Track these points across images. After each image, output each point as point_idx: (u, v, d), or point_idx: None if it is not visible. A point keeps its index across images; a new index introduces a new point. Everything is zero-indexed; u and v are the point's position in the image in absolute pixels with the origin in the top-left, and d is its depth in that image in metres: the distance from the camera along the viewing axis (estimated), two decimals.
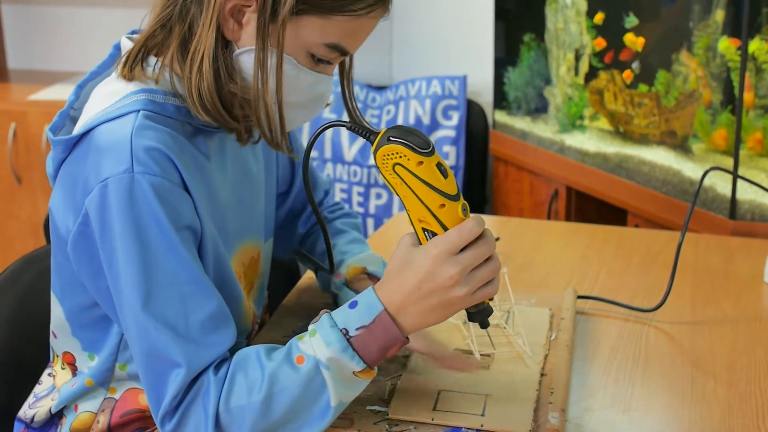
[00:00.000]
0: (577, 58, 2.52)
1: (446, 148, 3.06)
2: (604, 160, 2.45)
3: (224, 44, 1.10)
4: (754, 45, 1.93)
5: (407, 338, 1.05)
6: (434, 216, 1.02)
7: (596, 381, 1.24)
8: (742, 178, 1.70)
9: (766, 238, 1.82)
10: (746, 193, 1.99)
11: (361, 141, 3.14)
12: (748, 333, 1.38)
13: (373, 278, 1.30)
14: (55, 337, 1.23)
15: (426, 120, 3.07)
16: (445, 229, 1.02)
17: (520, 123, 2.82)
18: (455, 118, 3.06)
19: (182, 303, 1.04)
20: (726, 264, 1.65)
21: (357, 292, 1.24)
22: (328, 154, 3.14)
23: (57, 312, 1.20)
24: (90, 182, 1.06)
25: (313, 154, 3.15)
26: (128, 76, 1.13)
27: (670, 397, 1.20)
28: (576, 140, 2.56)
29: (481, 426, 1.09)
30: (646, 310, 1.43)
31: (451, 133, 3.06)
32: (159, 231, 1.04)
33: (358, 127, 1.06)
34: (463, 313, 1.09)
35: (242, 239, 1.25)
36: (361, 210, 3.11)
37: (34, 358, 1.31)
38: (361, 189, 3.13)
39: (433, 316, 1.04)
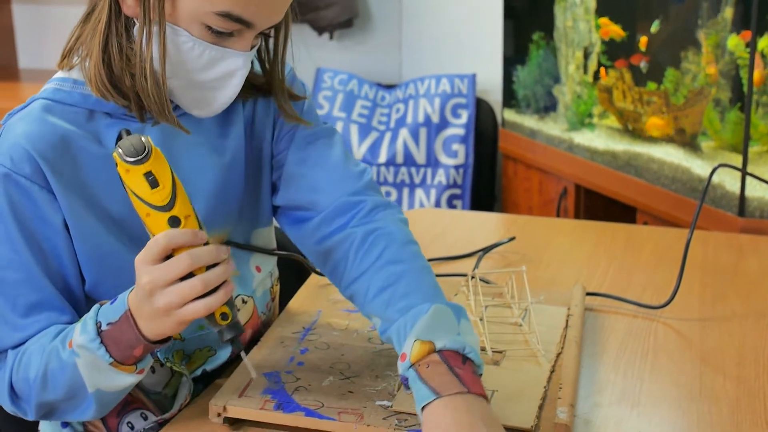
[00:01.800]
0: (586, 56, 2.52)
1: (455, 146, 3.06)
2: (612, 157, 2.45)
3: (127, 23, 1.10)
4: (763, 42, 1.93)
5: (152, 342, 1.04)
6: (145, 224, 1.03)
7: (605, 377, 1.24)
8: (751, 175, 1.70)
9: None
10: (755, 190, 1.99)
11: (371, 138, 3.14)
12: (757, 330, 1.38)
13: (453, 360, 1.03)
14: None
15: (435, 118, 3.07)
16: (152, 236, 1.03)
17: (529, 121, 2.82)
18: (464, 116, 3.06)
19: (12, 287, 1.09)
20: (735, 261, 1.65)
21: (427, 384, 1.01)
22: None
23: None
24: None
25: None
26: (59, 66, 1.17)
27: (679, 393, 1.20)
28: (585, 138, 2.57)
29: None
30: (655, 306, 1.44)
31: (461, 132, 3.06)
32: (1, 222, 1.09)
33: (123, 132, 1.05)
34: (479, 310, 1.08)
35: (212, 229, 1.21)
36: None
37: None
38: None
39: (161, 324, 1.03)
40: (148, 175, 1.01)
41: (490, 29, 3.05)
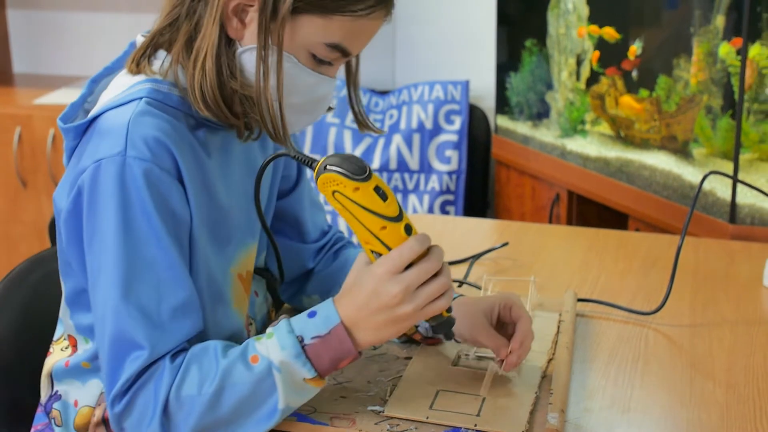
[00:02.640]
0: (579, 63, 2.53)
1: (448, 153, 3.06)
2: (605, 164, 2.45)
3: (228, 42, 1.12)
4: (755, 50, 1.94)
5: (359, 353, 1.08)
6: (377, 238, 1.04)
7: (596, 382, 1.24)
8: (742, 182, 1.71)
9: (765, 242, 1.82)
10: (746, 197, 2.00)
11: (364, 144, 3.15)
12: (747, 336, 1.39)
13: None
14: (60, 320, 1.25)
15: (428, 124, 3.07)
16: (389, 249, 1.04)
17: (522, 128, 2.83)
18: (457, 122, 3.07)
19: (157, 288, 1.06)
20: (725, 268, 1.66)
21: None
22: None
23: (63, 296, 1.23)
24: (86, 162, 1.08)
25: (315, 157, 3.16)
26: (134, 70, 1.15)
27: (669, 399, 1.21)
28: (577, 145, 2.57)
29: (475, 426, 1.10)
30: (646, 312, 1.44)
31: (454, 138, 3.06)
32: (144, 216, 1.05)
33: (301, 156, 1.08)
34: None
35: (249, 242, 1.26)
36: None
37: (41, 359, 1.32)
38: None
39: (386, 332, 1.07)
40: (377, 189, 1.03)
41: (483, 36, 3.06)
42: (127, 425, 1.06)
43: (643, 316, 1.44)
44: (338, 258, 1.41)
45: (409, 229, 1.05)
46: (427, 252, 1.05)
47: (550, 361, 1.26)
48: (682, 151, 2.19)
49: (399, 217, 1.04)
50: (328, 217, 3.07)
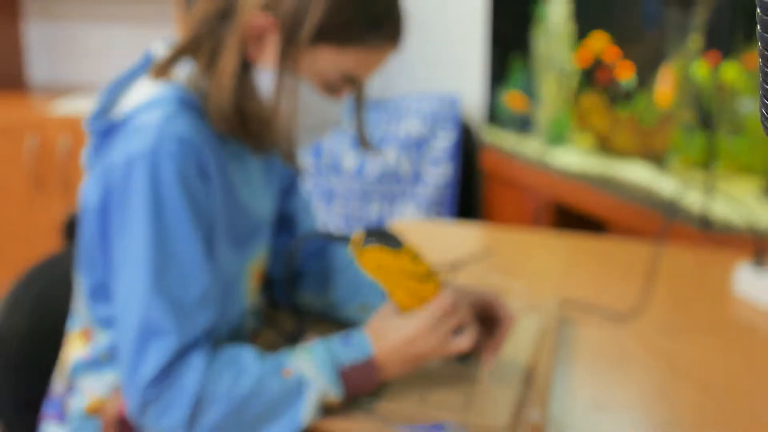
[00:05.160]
0: (563, 79, 2.53)
1: (439, 164, 3.06)
2: (586, 176, 2.45)
3: (246, 64, 1.13)
4: (728, 70, 1.94)
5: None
6: (415, 295, 1.10)
7: (576, 383, 1.24)
8: (715, 193, 1.70)
9: (734, 248, 1.82)
10: (718, 207, 2.00)
11: (357, 156, 3.14)
12: (720, 338, 1.39)
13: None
14: (73, 314, 1.24)
15: (421, 136, 3.07)
16: (422, 301, 1.11)
17: (509, 140, 2.83)
18: (449, 135, 3.06)
19: (184, 279, 1.06)
20: (700, 273, 1.66)
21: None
22: (326, 165, 3.14)
23: (80, 290, 1.21)
24: (117, 158, 1.07)
25: (311, 165, 3.15)
26: (158, 76, 1.15)
27: (647, 399, 1.21)
28: (561, 157, 2.57)
29: (460, 419, 1.09)
30: (624, 316, 1.44)
31: (445, 150, 3.06)
32: (175, 212, 1.06)
33: (333, 237, 1.10)
34: None
35: (265, 241, 1.26)
36: (358, 221, 3.11)
37: (49, 362, 1.31)
38: (358, 201, 3.13)
39: (407, 369, 1.13)
40: (413, 254, 1.08)
41: (473, 51, 3.06)
42: (151, 415, 1.05)
43: (622, 320, 1.44)
44: (325, 256, 1.41)
45: (438, 282, 1.11)
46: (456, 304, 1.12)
47: (533, 361, 1.26)
48: (660, 163, 2.19)
49: (431, 272, 1.10)
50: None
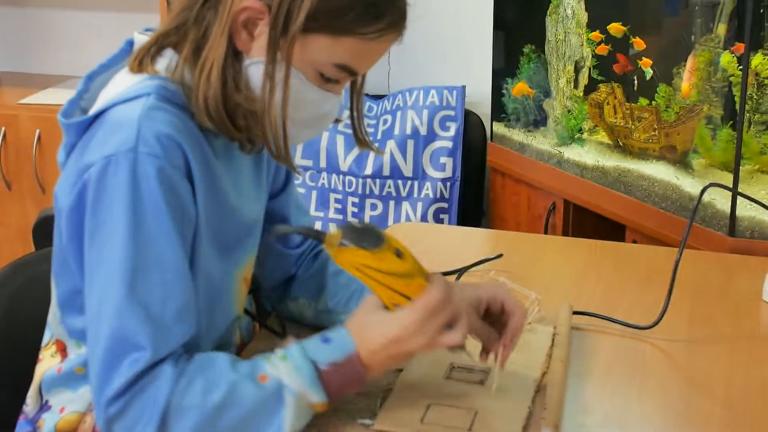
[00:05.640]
0: (577, 70, 2.53)
1: (443, 159, 3.06)
2: (602, 174, 2.45)
3: (235, 54, 1.12)
4: (757, 60, 1.94)
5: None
6: (400, 294, 1.09)
7: (591, 397, 1.24)
8: (742, 194, 1.70)
9: (765, 255, 1.82)
10: (746, 209, 2.00)
11: (356, 151, 3.14)
12: (746, 352, 1.39)
13: None
14: (48, 324, 1.24)
15: (423, 130, 3.07)
16: (410, 299, 1.09)
17: (519, 135, 2.83)
18: (453, 129, 3.07)
19: (164, 288, 1.05)
20: (724, 282, 1.66)
21: None
22: (323, 163, 3.14)
23: (53, 298, 1.21)
24: (93, 157, 1.07)
25: (308, 163, 3.16)
26: (137, 68, 1.14)
27: (666, 416, 1.21)
28: (575, 153, 2.57)
29: None
30: (643, 327, 1.44)
31: (449, 144, 3.06)
32: (155, 213, 1.05)
33: (310, 232, 1.09)
34: None
35: (255, 246, 1.26)
36: (355, 221, 3.11)
37: (23, 365, 1.31)
38: (356, 199, 3.13)
39: (391, 366, 1.14)
40: (396, 250, 1.07)
41: (479, 41, 3.06)
42: (119, 428, 1.04)
43: (640, 331, 1.44)
44: (317, 260, 1.41)
45: (427, 276, 1.10)
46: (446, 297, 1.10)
47: (544, 374, 1.26)
48: (681, 161, 2.19)
49: (417, 269, 1.09)
50: (318, 224, 3.06)
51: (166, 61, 1.14)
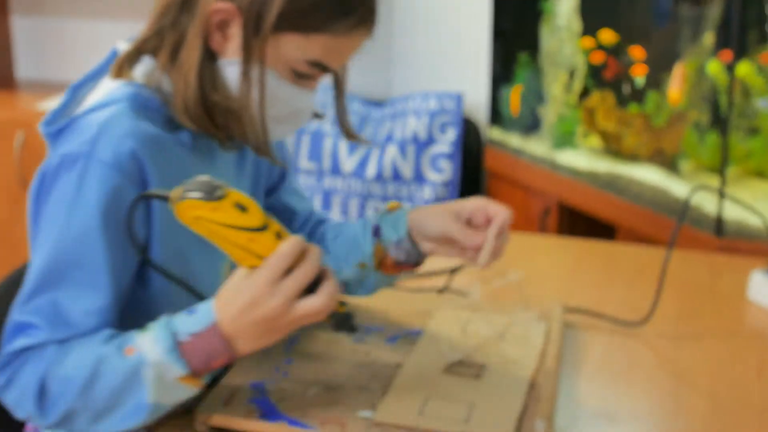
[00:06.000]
0: (571, 77, 2.54)
1: (442, 163, 3.06)
2: (594, 177, 2.46)
3: (211, 55, 1.12)
4: (743, 68, 1.94)
5: (237, 354, 1.05)
6: (249, 252, 1.02)
7: (583, 391, 1.24)
8: (728, 196, 1.71)
9: (750, 255, 1.82)
10: (732, 211, 2.00)
11: (359, 153, 3.15)
12: (730, 348, 1.39)
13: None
14: None
15: (423, 135, 3.08)
16: (263, 258, 1.02)
17: (514, 140, 2.83)
18: (451, 133, 3.07)
19: (77, 288, 1.05)
20: (711, 280, 1.66)
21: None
22: (326, 165, 3.14)
23: None
24: (54, 157, 1.08)
25: (311, 166, 3.16)
26: (117, 75, 1.15)
27: (654, 408, 1.21)
28: (568, 158, 2.57)
29: (462, 431, 1.09)
30: (633, 324, 1.44)
31: (447, 149, 3.06)
32: (90, 218, 1.05)
33: (155, 194, 1.04)
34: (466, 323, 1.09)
35: None
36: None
37: None
38: (359, 201, 3.13)
39: (265, 340, 1.04)
40: (237, 204, 1.01)
41: (477, 49, 3.06)
42: (8, 399, 1.05)
43: (630, 327, 1.44)
44: (314, 236, 1.40)
45: (279, 235, 1.03)
46: (304, 255, 1.03)
47: (537, 370, 1.26)
48: (670, 165, 2.19)
49: (266, 226, 1.02)
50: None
51: (143, 67, 1.14)
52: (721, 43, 1.99)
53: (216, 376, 1.21)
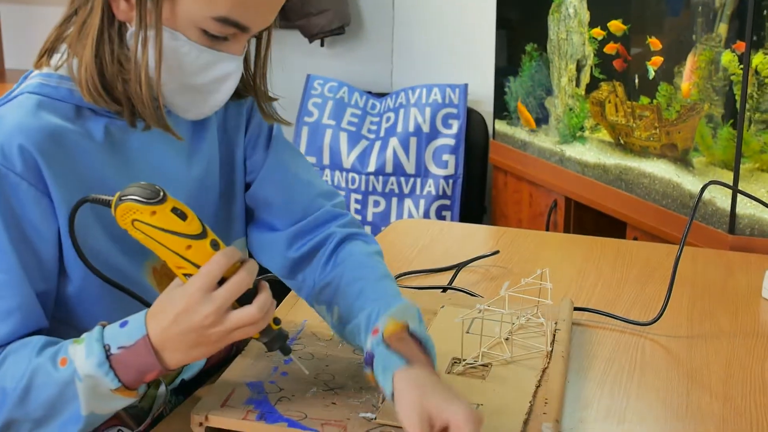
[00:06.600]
0: (579, 68, 2.54)
1: (445, 157, 3.07)
2: (603, 171, 2.46)
3: (119, 27, 1.09)
4: (757, 59, 1.94)
5: (166, 368, 1.04)
6: (185, 259, 1.02)
7: (591, 392, 1.24)
8: (742, 192, 1.71)
9: (764, 253, 1.83)
10: (746, 207, 2.00)
11: (360, 146, 3.15)
12: (745, 348, 1.39)
13: (416, 340, 1.12)
14: None
15: (426, 128, 3.08)
16: (199, 268, 1.02)
17: (521, 133, 2.83)
18: (455, 126, 3.07)
19: None
20: (724, 278, 1.66)
21: (399, 354, 1.07)
22: (326, 160, 3.15)
23: None
24: None
25: (312, 160, 3.16)
26: (36, 66, 1.13)
27: (665, 411, 1.21)
28: (576, 151, 2.57)
29: None
30: (643, 323, 1.44)
31: (451, 142, 3.07)
32: None
33: (96, 198, 1.04)
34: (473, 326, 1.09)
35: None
36: (358, 218, 3.12)
37: None
38: (359, 196, 3.13)
39: (196, 352, 1.04)
40: (175, 209, 1.01)
41: (482, 39, 3.06)
42: None
43: (640, 327, 1.44)
44: (338, 256, 1.28)
45: (215, 245, 1.03)
46: (240, 266, 1.03)
47: (545, 370, 1.26)
48: (681, 159, 2.19)
49: (203, 235, 1.02)
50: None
51: (59, 54, 1.13)
52: (735, 34, 1.99)
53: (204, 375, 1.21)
